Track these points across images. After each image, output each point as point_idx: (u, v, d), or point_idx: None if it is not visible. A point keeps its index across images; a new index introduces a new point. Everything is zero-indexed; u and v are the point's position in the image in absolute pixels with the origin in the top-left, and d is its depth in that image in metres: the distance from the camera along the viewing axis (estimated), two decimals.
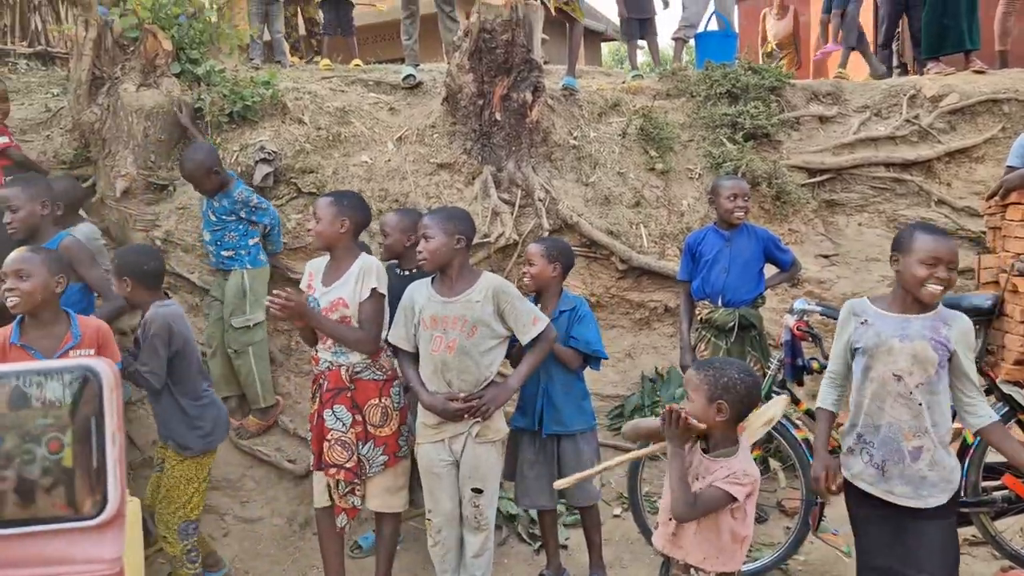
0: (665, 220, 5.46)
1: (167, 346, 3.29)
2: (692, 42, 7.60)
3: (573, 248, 5.21)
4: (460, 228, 3.16)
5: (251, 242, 4.40)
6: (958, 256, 2.62)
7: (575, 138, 5.65)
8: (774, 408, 2.95)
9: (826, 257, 5.72)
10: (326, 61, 6.67)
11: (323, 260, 3.41)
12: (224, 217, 4.33)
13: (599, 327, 3.69)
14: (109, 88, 4.80)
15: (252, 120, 5.09)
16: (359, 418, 3.28)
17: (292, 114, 5.24)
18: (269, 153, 4.91)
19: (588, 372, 5.13)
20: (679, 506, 2.41)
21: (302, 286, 3.43)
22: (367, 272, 3.27)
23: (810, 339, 3.63)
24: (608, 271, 5.33)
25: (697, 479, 2.47)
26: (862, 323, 2.71)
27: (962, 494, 3.59)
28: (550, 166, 5.47)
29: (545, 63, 9.00)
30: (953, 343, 2.57)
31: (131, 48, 4.83)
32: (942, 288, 2.54)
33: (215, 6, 5.25)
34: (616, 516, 4.43)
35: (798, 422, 3.74)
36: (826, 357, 3.59)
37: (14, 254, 2.99)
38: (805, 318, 3.63)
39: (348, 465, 3.25)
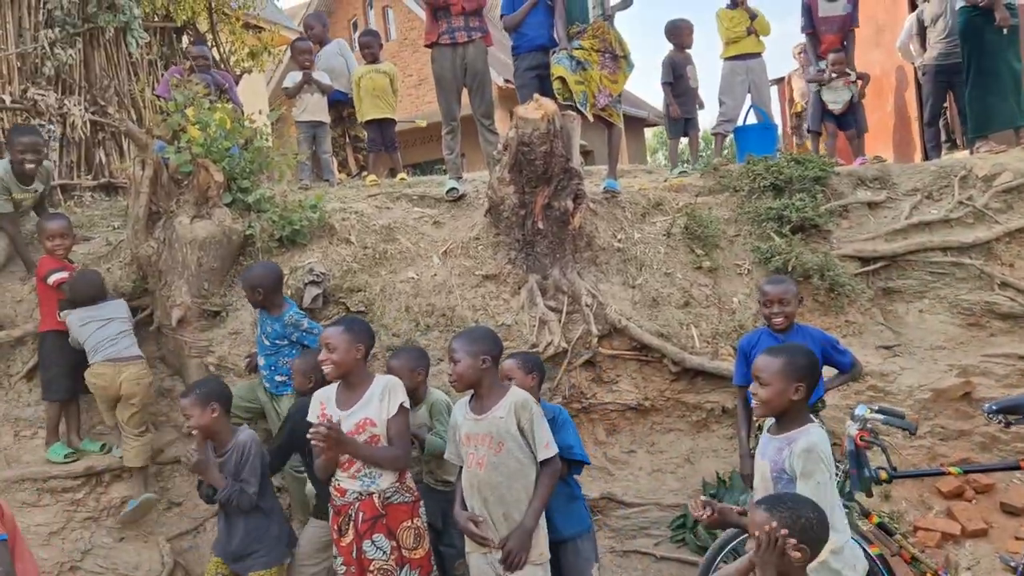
0: (716, 319, 5.36)
1: (265, 464, 3.65)
2: (732, 137, 7.66)
3: (623, 352, 5.21)
4: (485, 348, 3.32)
5: None
6: (766, 364, 2.80)
7: (619, 240, 5.64)
8: None
9: (887, 348, 5.52)
10: (372, 177, 6.87)
11: (331, 388, 3.51)
12: (277, 342, 4.41)
13: (578, 432, 3.85)
14: (165, 222, 4.99)
15: (301, 243, 5.23)
16: (395, 544, 3.37)
17: (339, 234, 5.37)
18: (318, 275, 5.01)
19: (648, 479, 5.01)
20: None
21: (313, 416, 3.45)
22: (392, 390, 3.43)
23: (875, 447, 3.47)
24: (661, 374, 5.22)
25: None
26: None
27: None
28: (595, 270, 5.46)
29: (588, 153, 9.15)
30: (789, 462, 2.69)
31: (185, 182, 5.03)
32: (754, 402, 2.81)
33: (264, 136, 5.47)
34: None
35: (871, 536, 3.54)
36: (894, 467, 3.45)
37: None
38: (868, 426, 3.47)
39: None
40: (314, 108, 7.11)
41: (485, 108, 6.18)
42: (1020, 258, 5.83)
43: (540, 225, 5.21)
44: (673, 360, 5.14)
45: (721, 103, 7.48)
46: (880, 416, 3.48)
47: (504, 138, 5.27)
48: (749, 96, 7.48)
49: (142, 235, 4.97)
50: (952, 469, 3.60)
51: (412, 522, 3.42)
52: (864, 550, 3.42)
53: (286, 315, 4.40)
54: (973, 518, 4.72)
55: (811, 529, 2.29)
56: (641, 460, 5.17)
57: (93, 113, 6.86)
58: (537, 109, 5.05)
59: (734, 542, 3.73)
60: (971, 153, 6.84)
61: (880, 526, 3.45)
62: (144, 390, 4.63)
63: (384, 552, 3.32)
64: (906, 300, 5.80)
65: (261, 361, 4.52)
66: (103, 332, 4.56)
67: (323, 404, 3.48)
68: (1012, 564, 3.45)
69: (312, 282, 4.96)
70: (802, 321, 5.24)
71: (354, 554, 3.33)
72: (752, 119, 7.45)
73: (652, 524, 4.88)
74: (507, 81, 14.17)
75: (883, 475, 3.44)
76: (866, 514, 3.47)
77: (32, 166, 5.06)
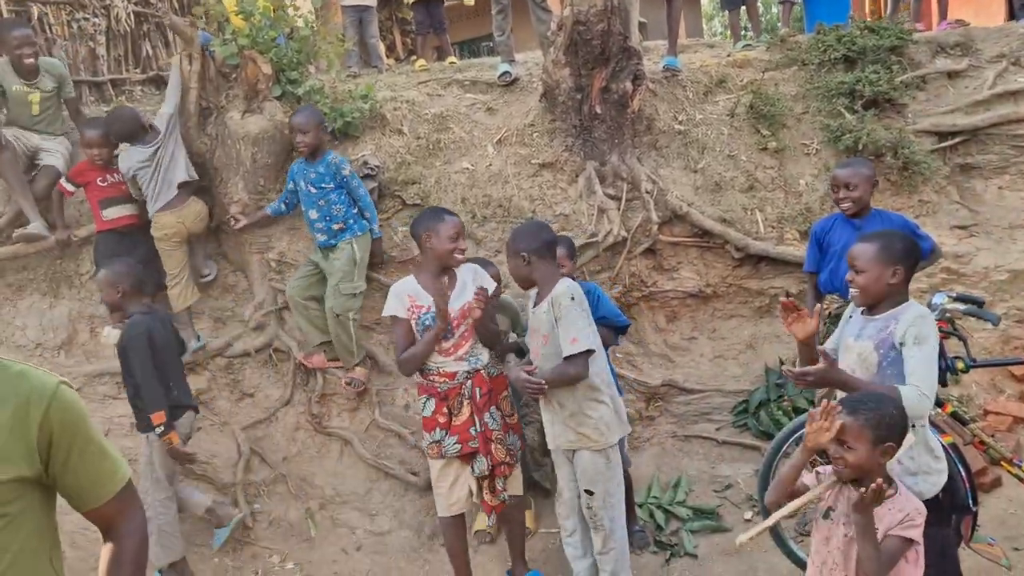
0: (782, 203, 5.16)
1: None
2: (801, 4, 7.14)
3: (685, 239, 5.09)
4: (522, 246, 3.31)
5: (354, 211, 4.59)
6: (860, 252, 2.71)
7: (680, 123, 5.41)
8: None
9: (963, 228, 5.27)
10: (421, 61, 6.65)
11: (408, 282, 3.57)
12: (323, 186, 4.48)
13: None
14: (216, 117, 4.93)
15: (353, 135, 5.13)
16: (501, 413, 3.64)
17: (391, 125, 5.25)
18: (372, 168, 4.94)
19: (710, 366, 4.99)
20: (871, 566, 2.24)
21: (401, 310, 3.51)
22: (481, 275, 3.64)
23: (954, 337, 3.35)
24: (723, 260, 5.11)
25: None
26: (847, 319, 2.91)
27: None
28: (656, 155, 5.27)
29: (642, 28, 8.70)
30: (896, 336, 2.59)
31: (233, 76, 4.93)
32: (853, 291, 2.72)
33: (310, 24, 5.28)
34: (747, 520, 4.28)
35: (943, 425, 3.48)
36: (973, 359, 3.34)
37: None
38: (947, 315, 3.35)
39: (508, 459, 3.60)
40: None
41: None
42: None
43: (597, 109, 5.01)
44: (736, 246, 5.01)
45: None
46: (960, 306, 3.35)
47: (558, 17, 5.00)
48: None
49: (195, 131, 4.92)
50: None
51: (507, 391, 3.70)
52: (937, 440, 3.38)
53: (329, 156, 4.52)
54: None
55: (895, 425, 2.27)
56: (703, 347, 5.14)
57: (136, 4, 6.71)
58: None
59: (801, 431, 3.70)
60: None
61: (954, 415, 3.38)
62: (205, 223, 4.89)
63: (497, 422, 3.59)
64: (985, 176, 5.50)
65: (313, 215, 4.52)
66: (157, 178, 4.63)
67: (411, 297, 3.51)
68: None
69: (367, 175, 4.89)
70: (874, 202, 5.04)
71: (475, 428, 3.52)
72: None
73: (714, 410, 4.90)
74: None
75: (960, 365, 3.33)
76: (939, 403, 3.39)
77: (31, 60, 4.92)
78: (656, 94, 5.48)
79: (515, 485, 3.72)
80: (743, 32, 7.32)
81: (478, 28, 15.79)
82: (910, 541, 2.25)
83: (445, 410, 3.54)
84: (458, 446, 3.52)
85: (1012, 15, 7.26)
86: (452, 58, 6.98)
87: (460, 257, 3.52)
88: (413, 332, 3.51)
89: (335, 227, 4.51)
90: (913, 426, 2.45)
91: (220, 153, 4.89)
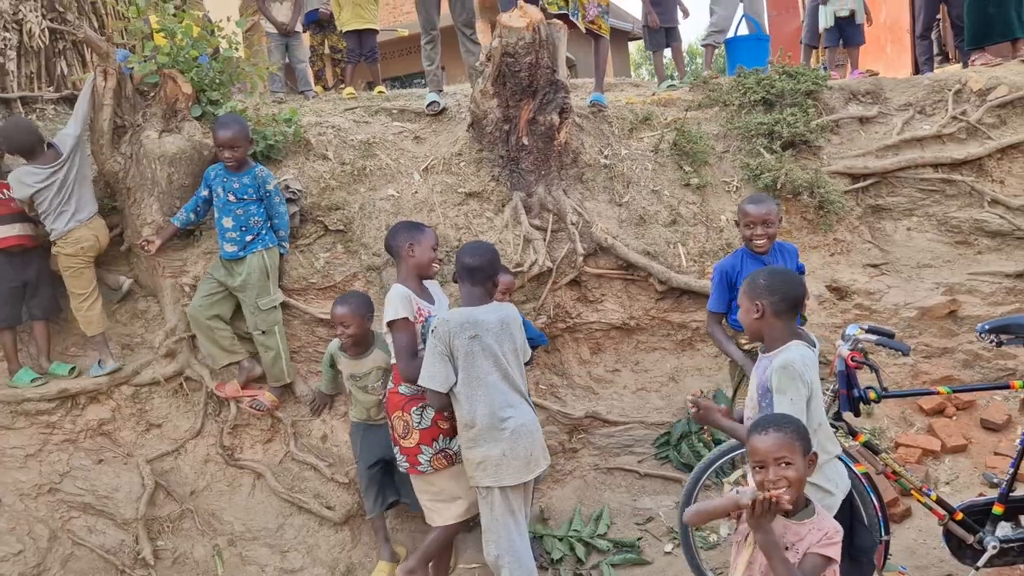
0: (704, 237, 5.26)
1: None
2: (722, 48, 7.39)
3: (609, 271, 5.11)
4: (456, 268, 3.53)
5: (267, 224, 4.52)
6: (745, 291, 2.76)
7: (606, 157, 5.48)
8: None
9: (875, 267, 5.47)
10: (350, 89, 6.60)
11: (403, 289, 3.57)
12: (244, 198, 4.38)
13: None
14: (131, 136, 4.75)
15: (275, 159, 5.02)
16: None
17: (316, 150, 5.16)
18: (294, 192, 4.82)
19: (633, 398, 4.99)
20: None
21: (411, 313, 3.51)
22: (440, 292, 3.85)
23: (866, 368, 3.42)
24: (646, 293, 5.15)
25: (787, 548, 2.30)
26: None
27: None
28: (582, 187, 5.31)
29: (571, 66, 8.87)
30: (769, 379, 2.63)
31: (151, 94, 4.77)
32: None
33: (234, 45, 5.17)
34: (668, 553, 4.26)
35: (856, 455, 3.54)
36: (884, 388, 3.41)
37: None
38: (860, 347, 3.42)
39: None
40: (285, 16, 6.77)
41: (466, 16, 5.89)
42: (1011, 175, 5.74)
43: (525, 140, 5.03)
44: (659, 279, 5.06)
45: (712, 12, 7.18)
46: (872, 337, 3.43)
47: (487, 48, 5.03)
48: (741, 6, 7.20)
49: (108, 150, 4.73)
50: (942, 389, 3.57)
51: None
52: (850, 468, 3.43)
53: (256, 169, 4.45)
54: (953, 434, 4.77)
55: (807, 436, 2.30)
56: (626, 379, 5.15)
57: (51, 20, 6.47)
58: (522, 17, 4.81)
59: (720, 461, 3.72)
60: (965, 66, 6.67)
61: (866, 445, 3.44)
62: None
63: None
64: (894, 218, 5.73)
65: (228, 223, 4.40)
66: (65, 195, 4.45)
67: (415, 301, 3.56)
68: (995, 480, 3.46)
69: (289, 199, 4.77)
70: (791, 240, 5.18)
71: None
72: (744, 30, 7.19)
73: (636, 442, 4.89)
74: None
75: (872, 395, 3.40)
76: (853, 433, 3.45)
77: None
78: (583, 128, 5.54)
79: None
80: (668, 75, 7.52)
81: (409, 66, 15.88)
82: (829, 559, 2.25)
83: (446, 414, 3.50)
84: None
85: (917, 70, 7.67)
86: (381, 88, 6.95)
87: (438, 267, 3.70)
88: (416, 337, 3.54)
89: (248, 238, 4.41)
90: None
91: (134, 173, 4.71)
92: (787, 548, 2.30)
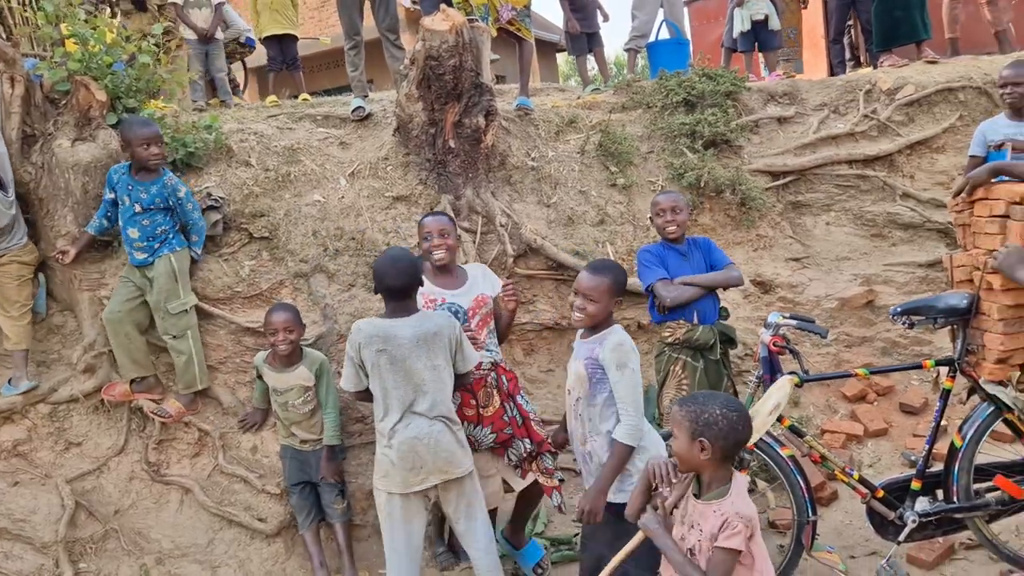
0: (631, 236, 5.34)
1: None
2: (645, 52, 7.53)
3: (539, 272, 5.15)
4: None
5: (176, 228, 4.42)
6: (599, 289, 2.94)
7: (533, 159, 5.52)
8: (778, 394, 3.16)
9: (796, 260, 5.64)
10: (272, 97, 6.50)
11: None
12: (151, 207, 4.27)
13: None
14: (42, 145, 4.59)
15: (196, 166, 4.90)
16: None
17: (238, 157, 5.06)
18: (217, 200, 4.72)
19: (554, 397, 5.02)
20: None
21: (421, 301, 3.53)
22: (488, 272, 3.95)
23: (788, 353, 3.52)
24: None
25: (692, 527, 2.34)
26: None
27: (955, 500, 3.51)
28: (510, 189, 5.34)
29: (500, 79, 8.94)
30: (602, 359, 2.93)
31: (63, 102, 4.62)
32: (580, 315, 2.98)
33: (151, 52, 5.04)
34: None
35: (782, 439, 3.63)
36: (806, 371, 3.51)
37: None
38: (781, 331, 3.52)
39: (547, 438, 3.70)
40: (205, 22, 6.64)
41: (390, 22, 5.88)
42: (920, 170, 6.00)
43: (451, 144, 5.04)
44: None
45: (634, 18, 7.33)
46: (793, 322, 3.53)
47: (411, 52, 5.02)
48: (662, 11, 7.36)
49: (17, 159, 4.55)
50: (859, 371, 3.69)
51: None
52: (777, 452, 3.52)
53: (165, 177, 4.31)
54: (875, 419, 4.94)
55: (713, 425, 2.30)
56: (559, 379, 5.17)
57: None
58: (445, 20, 4.81)
59: None
60: (875, 67, 6.94)
61: (791, 429, 3.53)
62: None
63: (529, 404, 3.85)
64: (814, 213, 5.92)
65: (135, 234, 4.28)
66: (15, 207, 4.39)
67: (424, 294, 3.58)
68: (913, 458, 3.59)
69: (211, 207, 4.67)
70: (716, 237, 5.31)
71: (507, 415, 3.67)
72: (665, 34, 7.35)
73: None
74: (414, 2, 13.60)
75: (795, 380, 3.49)
76: (779, 418, 3.53)
77: None
78: (509, 131, 5.58)
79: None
80: (593, 79, 7.63)
81: (335, 79, 15.75)
82: (736, 551, 2.23)
83: (472, 402, 3.61)
84: (493, 435, 3.63)
85: (832, 71, 7.96)
86: (305, 95, 6.87)
87: (440, 255, 3.68)
88: None
89: (156, 245, 4.31)
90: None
91: (47, 183, 4.54)
92: (692, 527, 2.35)
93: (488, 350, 3.71)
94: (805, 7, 8.12)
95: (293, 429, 4.11)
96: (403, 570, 3.37)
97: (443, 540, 4.26)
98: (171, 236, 4.37)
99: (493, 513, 3.70)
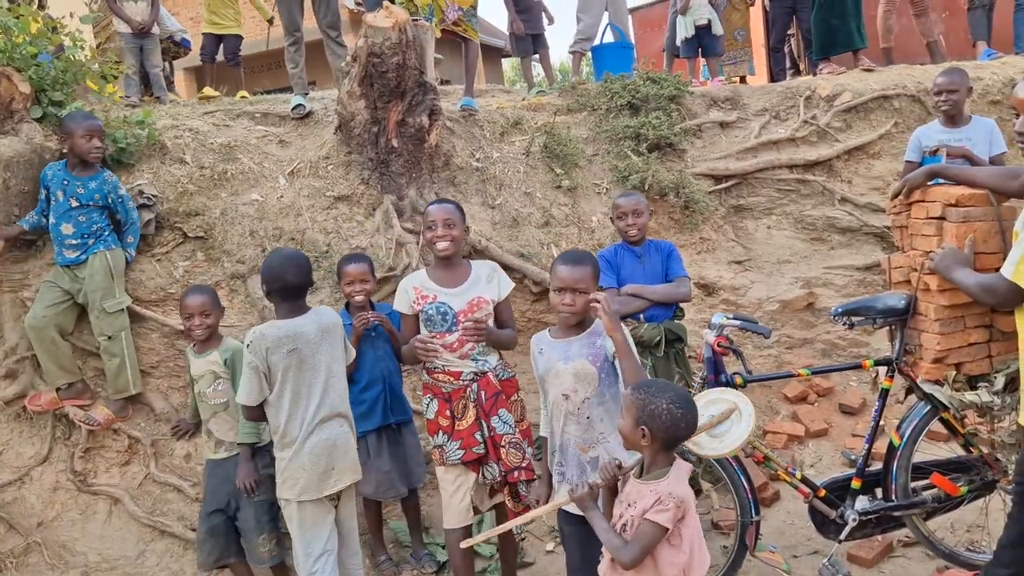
0: (576, 238, 5.32)
1: None
2: (589, 55, 7.55)
3: None
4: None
5: (109, 226, 4.29)
6: (585, 279, 2.80)
7: (478, 160, 5.46)
8: (713, 408, 2.96)
9: (739, 263, 5.69)
10: (208, 89, 6.31)
11: (418, 275, 3.50)
12: (89, 204, 4.15)
13: None
14: None
15: (127, 163, 4.72)
16: (515, 417, 3.45)
17: (172, 154, 4.89)
18: (149, 197, 4.55)
19: None
20: (617, 555, 2.32)
21: (404, 306, 3.44)
22: (500, 273, 3.54)
23: (731, 353, 3.53)
24: (522, 295, 5.14)
25: (629, 505, 2.37)
26: (539, 352, 2.94)
27: (893, 498, 3.55)
28: (454, 190, 5.27)
29: (446, 83, 8.87)
30: (609, 348, 2.79)
31: None
32: (571, 311, 2.79)
33: (79, 44, 4.84)
34: (549, 552, 4.24)
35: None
36: (749, 371, 3.53)
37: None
38: (725, 332, 3.52)
39: (525, 464, 3.37)
40: (141, 15, 6.43)
41: (331, 18, 5.77)
42: (858, 175, 6.11)
43: (394, 143, 4.95)
44: (534, 280, 5.07)
45: (579, 20, 7.33)
46: (736, 322, 3.54)
47: (353, 49, 4.92)
48: (607, 14, 7.38)
49: None
50: (801, 371, 3.73)
51: (518, 395, 3.53)
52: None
53: (104, 174, 4.21)
54: (815, 420, 5.00)
55: (658, 417, 2.33)
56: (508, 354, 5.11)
57: None
58: (388, 17, 4.72)
59: None
60: (814, 75, 7.07)
61: None
62: None
63: (511, 426, 3.38)
64: (755, 217, 5.99)
65: (69, 230, 4.14)
66: None
67: (417, 288, 3.41)
68: (852, 457, 3.63)
69: (143, 205, 4.50)
70: (659, 239, 5.30)
71: (480, 434, 3.34)
72: (609, 37, 7.37)
73: None
74: (358, 4, 13.44)
75: (739, 380, 3.50)
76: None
77: None
78: (454, 132, 5.51)
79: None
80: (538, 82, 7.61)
81: (277, 80, 15.45)
82: (662, 527, 2.27)
83: (448, 413, 3.37)
84: (461, 452, 3.33)
85: (773, 78, 8.09)
86: (243, 92, 6.69)
87: (443, 245, 3.37)
88: (416, 326, 3.45)
89: (90, 242, 4.16)
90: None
91: None
92: (628, 505, 2.38)
93: (473, 359, 3.38)
94: (752, 5, 8.24)
95: (211, 426, 3.69)
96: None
97: (384, 549, 4.16)
98: (106, 234, 4.24)
99: (468, 531, 3.45)
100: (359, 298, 3.86)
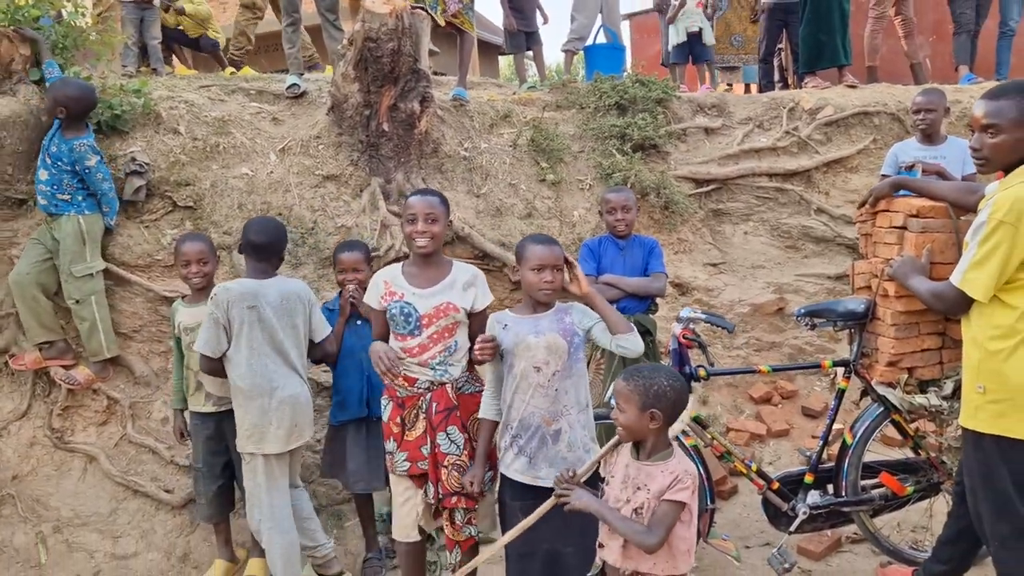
0: (557, 231, 5.44)
1: None
2: (582, 54, 7.68)
3: (465, 260, 5.20)
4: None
5: (87, 194, 4.33)
6: (561, 257, 2.91)
7: (466, 149, 5.58)
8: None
9: (714, 266, 5.84)
10: (181, 68, 6.38)
11: (391, 269, 3.29)
12: (59, 163, 4.21)
13: None
14: None
15: (122, 130, 4.80)
16: (467, 436, 3.15)
17: (166, 124, 4.97)
18: (141, 165, 4.63)
19: None
20: (642, 541, 2.33)
21: (373, 300, 3.20)
22: (482, 282, 3.28)
23: (696, 347, 3.66)
24: (502, 283, 5.27)
25: (639, 489, 2.42)
26: (504, 328, 2.98)
27: (843, 494, 3.71)
28: (441, 177, 5.38)
29: (440, 75, 8.96)
30: (577, 324, 2.94)
31: None
32: (550, 288, 2.89)
33: (80, 10, 4.91)
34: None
35: (687, 429, 3.76)
36: (712, 364, 3.67)
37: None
38: (691, 326, 3.66)
39: (464, 492, 3.07)
40: None
41: (329, 2, 5.87)
42: (835, 187, 6.28)
43: (385, 127, 5.06)
44: (514, 269, 5.17)
45: (573, 20, 7.46)
46: (702, 316, 3.68)
47: (350, 33, 5.02)
48: (600, 16, 7.52)
49: None
50: (763, 367, 3.86)
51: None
52: (680, 441, 3.65)
53: (76, 141, 4.21)
54: (778, 420, 5.16)
55: (663, 396, 2.39)
56: (482, 369, 5.23)
57: None
58: (385, 3, 4.83)
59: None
60: (800, 88, 7.24)
61: (695, 420, 3.67)
62: None
63: (458, 446, 3.10)
64: (733, 221, 6.14)
65: (43, 176, 4.24)
66: None
67: (387, 283, 3.18)
68: (808, 455, 3.78)
69: (134, 172, 4.58)
70: (645, 236, 5.44)
71: (426, 448, 3.12)
72: (602, 39, 7.51)
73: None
74: None
75: (702, 372, 3.64)
76: None
77: None
78: (444, 120, 5.62)
79: (482, 521, 3.24)
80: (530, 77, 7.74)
81: (275, 62, 15.44)
82: (682, 504, 2.35)
83: (399, 420, 3.16)
84: (407, 464, 3.14)
85: (761, 89, 8.26)
86: (231, 69, 6.77)
87: (422, 243, 3.11)
88: (385, 323, 3.18)
89: (60, 197, 4.24)
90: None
91: None
92: (639, 488, 2.42)
93: (432, 367, 3.12)
94: (755, 23, 8.43)
95: (202, 378, 3.68)
96: (290, 529, 3.47)
97: (376, 547, 4.07)
98: (81, 199, 4.29)
99: (418, 546, 3.28)
100: (351, 287, 3.87)
